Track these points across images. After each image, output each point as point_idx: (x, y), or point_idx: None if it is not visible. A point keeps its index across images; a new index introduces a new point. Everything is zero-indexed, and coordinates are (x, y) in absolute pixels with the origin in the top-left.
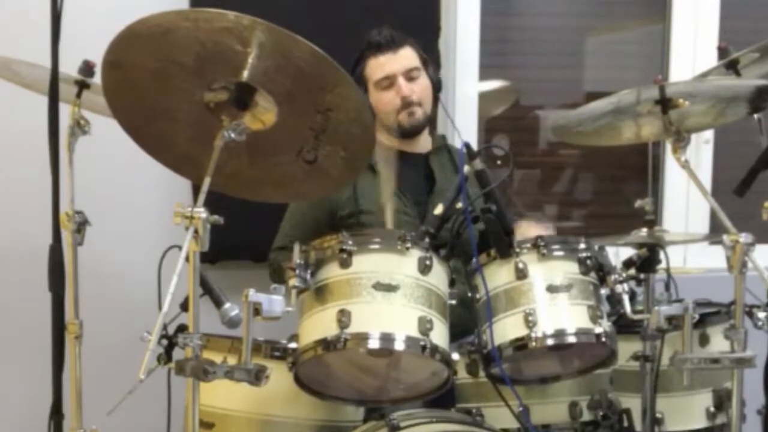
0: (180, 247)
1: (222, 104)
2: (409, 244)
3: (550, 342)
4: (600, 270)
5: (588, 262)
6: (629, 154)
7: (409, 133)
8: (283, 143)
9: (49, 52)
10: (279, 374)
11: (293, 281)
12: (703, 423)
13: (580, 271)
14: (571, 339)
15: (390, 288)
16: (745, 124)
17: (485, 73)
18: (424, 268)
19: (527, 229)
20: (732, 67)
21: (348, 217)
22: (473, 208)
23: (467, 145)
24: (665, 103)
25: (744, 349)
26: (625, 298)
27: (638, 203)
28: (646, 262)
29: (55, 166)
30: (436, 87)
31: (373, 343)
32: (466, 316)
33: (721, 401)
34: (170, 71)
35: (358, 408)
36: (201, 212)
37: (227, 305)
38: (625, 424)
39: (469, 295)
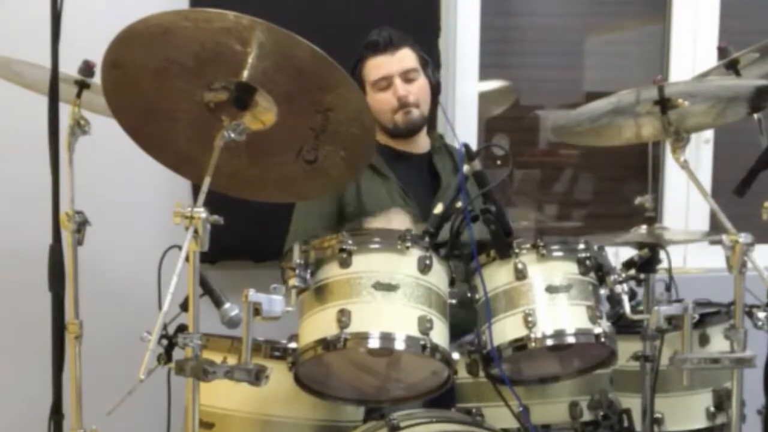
0: (180, 247)
1: (222, 104)
2: (408, 244)
3: (549, 342)
4: (599, 270)
5: (587, 262)
6: (629, 154)
7: (404, 133)
8: (283, 143)
9: (49, 52)
10: (279, 374)
11: (293, 281)
12: (703, 423)
13: (579, 272)
14: (571, 339)
15: (390, 287)
16: (745, 124)
17: (485, 73)
18: (424, 268)
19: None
20: (732, 67)
21: (353, 217)
22: (473, 208)
23: (466, 146)
24: (664, 103)
25: (744, 349)
26: (625, 298)
27: (638, 200)
28: (647, 262)
29: (55, 166)
30: (435, 89)
31: (373, 343)
32: (466, 316)
33: (721, 401)
34: (170, 71)
35: (358, 408)
36: (201, 212)
37: (227, 305)
38: (625, 424)
39: (469, 295)
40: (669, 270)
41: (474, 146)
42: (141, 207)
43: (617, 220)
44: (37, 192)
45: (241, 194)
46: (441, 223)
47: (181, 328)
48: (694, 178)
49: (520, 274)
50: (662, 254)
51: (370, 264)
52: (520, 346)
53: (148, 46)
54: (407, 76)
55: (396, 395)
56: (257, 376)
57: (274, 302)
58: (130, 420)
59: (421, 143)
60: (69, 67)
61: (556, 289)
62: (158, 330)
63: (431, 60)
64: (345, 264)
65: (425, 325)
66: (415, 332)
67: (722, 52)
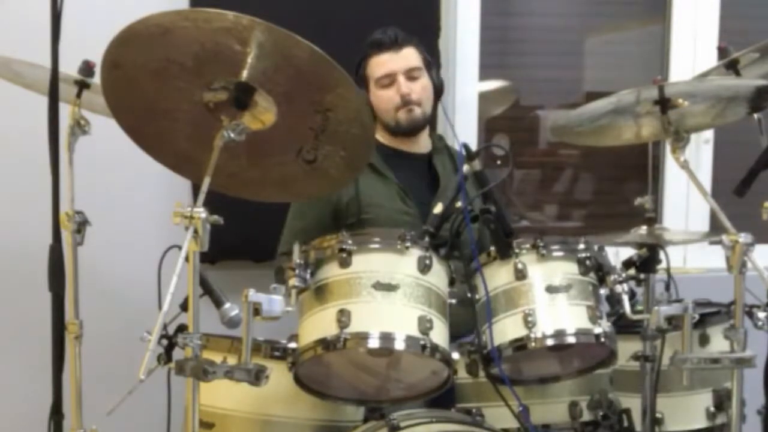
0: (180, 247)
1: (221, 104)
2: (408, 244)
3: (549, 342)
4: (599, 270)
5: (587, 262)
6: (629, 154)
7: (407, 131)
8: (282, 143)
9: (49, 52)
10: (279, 374)
11: (293, 281)
12: (703, 423)
13: (579, 272)
14: (571, 339)
15: (390, 287)
16: (745, 124)
17: (485, 73)
18: (424, 268)
19: None
20: (732, 67)
21: (351, 217)
22: (473, 208)
23: (466, 146)
24: (664, 103)
25: (744, 349)
26: (625, 298)
27: (638, 201)
28: (646, 262)
29: (55, 166)
30: (438, 90)
31: (373, 343)
32: (466, 316)
33: (721, 401)
34: (170, 71)
35: (358, 408)
36: (201, 212)
37: (227, 305)
38: (625, 424)
39: (469, 295)
40: (668, 270)
41: (474, 146)
42: (141, 207)
43: (617, 220)
44: (37, 192)
45: (241, 194)
46: (441, 223)
47: (181, 328)
48: (694, 178)
49: (520, 274)
50: (662, 254)
51: (370, 264)
52: (520, 346)
53: (147, 46)
54: (411, 75)
55: (396, 395)
56: (257, 376)
57: (274, 302)
58: (130, 420)
59: (422, 143)
60: (69, 67)
61: (556, 289)
62: (158, 330)
63: (434, 63)
64: (345, 264)
65: (425, 325)
66: (415, 332)
67: (722, 52)
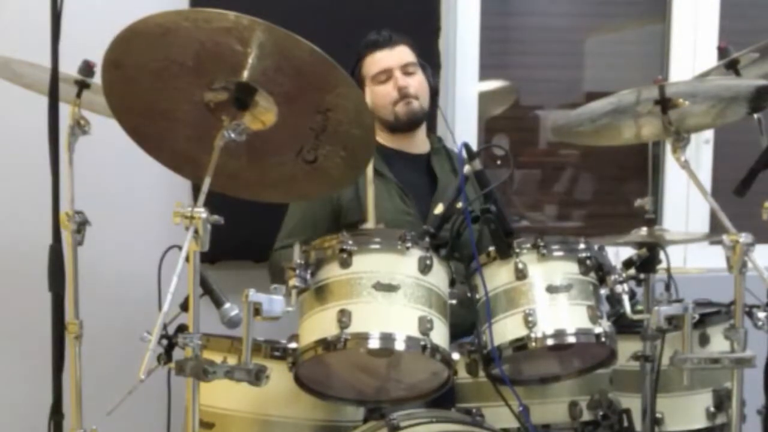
0: (180, 247)
1: (222, 104)
2: (409, 244)
3: (549, 342)
4: (600, 270)
5: (588, 262)
6: (629, 154)
7: (405, 125)
8: (283, 143)
9: (49, 52)
10: (279, 374)
11: (293, 281)
12: (703, 423)
13: (579, 272)
14: (571, 339)
15: (390, 288)
16: (745, 124)
17: (485, 73)
18: (425, 268)
19: None
20: (732, 67)
21: (352, 216)
22: (473, 209)
23: (466, 146)
24: (665, 103)
25: (744, 349)
26: (625, 298)
27: (638, 202)
28: (646, 262)
29: (55, 166)
30: (434, 92)
31: (374, 343)
32: (466, 316)
33: (721, 401)
34: (170, 71)
35: (358, 408)
36: (201, 212)
37: (227, 305)
38: (625, 424)
39: (469, 295)
40: (668, 270)
41: (474, 146)
42: (141, 207)
43: (617, 221)
44: (37, 192)
45: (241, 194)
46: (441, 224)
47: (181, 328)
48: (694, 177)
49: (521, 274)
50: (662, 254)
51: (371, 264)
52: (520, 346)
53: (148, 46)
54: (407, 69)
55: (396, 396)
56: (257, 376)
57: (274, 302)
58: (130, 420)
59: (420, 143)
60: (69, 67)
61: (556, 289)
62: (158, 330)
63: (429, 66)
64: (345, 264)
65: (425, 326)
66: (415, 333)
67: (722, 52)
